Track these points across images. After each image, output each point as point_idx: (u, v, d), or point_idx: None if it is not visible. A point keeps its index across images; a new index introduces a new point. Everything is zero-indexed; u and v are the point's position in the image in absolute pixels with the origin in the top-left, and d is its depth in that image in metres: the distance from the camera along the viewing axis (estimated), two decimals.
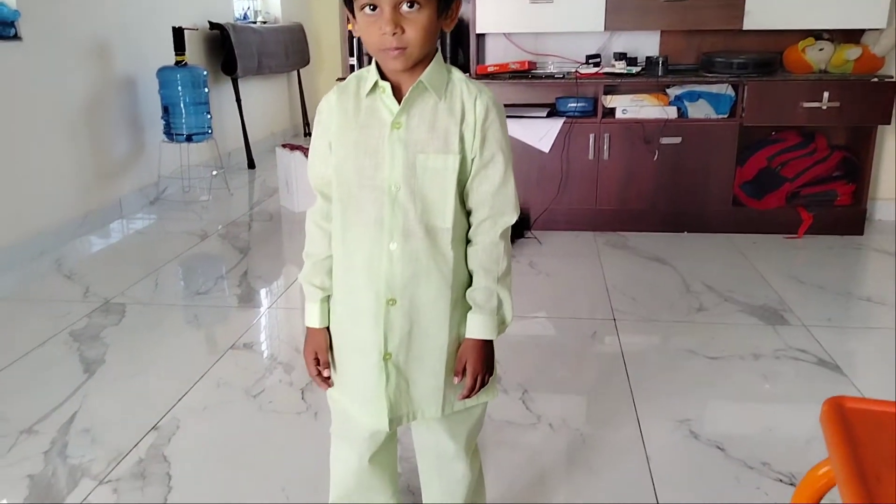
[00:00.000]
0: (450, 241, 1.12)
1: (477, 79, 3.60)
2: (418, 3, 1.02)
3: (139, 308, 2.75)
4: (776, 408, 2.04)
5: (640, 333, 2.52)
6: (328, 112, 1.16)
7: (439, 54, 1.13)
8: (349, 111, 1.13)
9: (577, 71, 3.60)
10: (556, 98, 3.62)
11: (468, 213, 1.16)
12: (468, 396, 1.20)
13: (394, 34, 1.02)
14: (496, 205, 1.14)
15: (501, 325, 1.19)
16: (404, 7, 1.02)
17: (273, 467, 1.75)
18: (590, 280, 3.03)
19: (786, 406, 2.05)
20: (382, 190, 1.11)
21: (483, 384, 1.20)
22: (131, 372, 2.25)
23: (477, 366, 1.18)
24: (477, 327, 1.17)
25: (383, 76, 1.11)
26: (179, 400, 2.05)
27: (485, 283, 1.15)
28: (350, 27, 1.13)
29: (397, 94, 1.11)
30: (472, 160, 1.12)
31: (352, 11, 1.08)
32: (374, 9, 1.03)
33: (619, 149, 3.53)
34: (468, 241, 1.17)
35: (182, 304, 2.85)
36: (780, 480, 1.68)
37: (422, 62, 1.09)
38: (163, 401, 2.05)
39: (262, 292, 2.96)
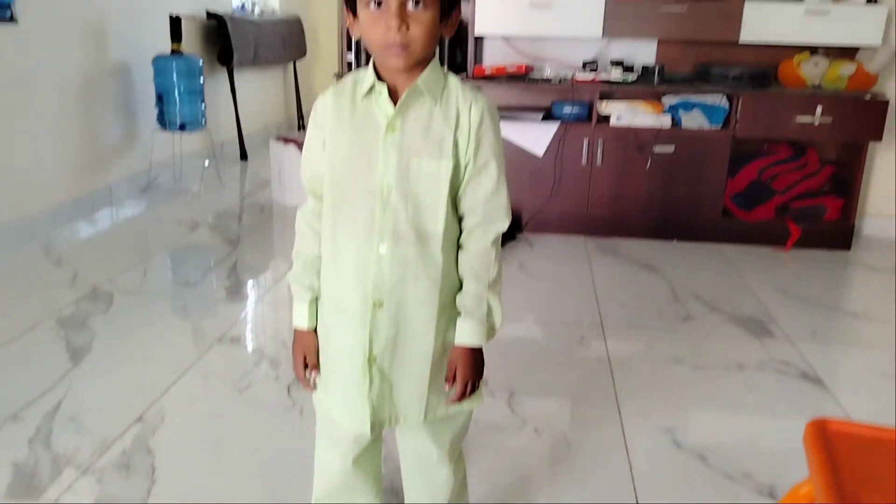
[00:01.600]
0: (440, 245, 1.13)
1: (474, 80, 3.61)
2: (424, 2, 1.03)
3: (127, 297, 2.73)
4: (758, 420, 2.06)
5: (626, 340, 2.54)
6: (323, 112, 1.16)
7: (437, 59, 1.14)
8: (344, 112, 1.14)
9: (573, 76, 3.62)
10: (552, 102, 3.63)
11: (459, 219, 1.17)
12: (458, 401, 1.21)
13: (399, 29, 1.03)
14: (488, 211, 1.15)
15: (490, 331, 1.19)
16: (410, 5, 1.03)
17: (257, 463, 1.75)
18: (579, 284, 3.04)
19: (768, 418, 2.07)
20: (374, 192, 1.11)
21: (474, 389, 1.21)
22: (118, 361, 2.24)
23: (467, 372, 1.18)
24: (467, 333, 1.17)
25: (380, 79, 1.12)
26: (165, 392, 2.05)
27: (475, 288, 1.16)
28: (349, 26, 1.14)
29: (393, 97, 1.11)
30: (466, 166, 1.12)
31: (352, 11, 1.08)
32: (379, 5, 1.03)
33: (612, 155, 3.55)
34: (459, 247, 1.17)
35: (170, 294, 2.84)
36: (760, 492, 1.69)
37: (420, 65, 1.10)
38: (149, 391, 2.04)
39: (251, 285, 2.96)
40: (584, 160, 3.56)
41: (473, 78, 3.64)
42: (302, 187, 1.23)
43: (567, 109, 3.56)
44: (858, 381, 2.31)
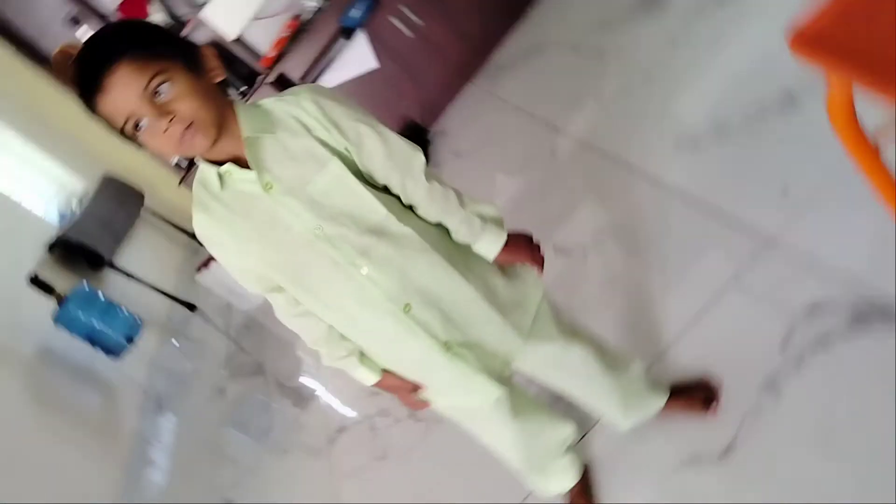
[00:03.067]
0: (397, 222, 1.09)
1: (269, 71, 3.47)
2: (165, 80, 0.96)
3: None
4: None
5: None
6: (206, 226, 1.12)
7: (239, 101, 1.08)
8: (221, 213, 1.09)
9: None
10: (338, 21, 3.47)
11: (386, 189, 1.13)
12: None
13: (170, 121, 0.97)
14: (399, 164, 1.10)
15: (496, 222, 1.17)
16: (159, 97, 0.96)
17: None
18: (516, 118, 2.99)
19: None
20: (312, 241, 1.07)
21: (535, 257, 1.22)
22: None
23: (519, 259, 1.20)
24: (486, 248, 1.16)
25: (216, 162, 1.06)
26: None
27: (455, 220, 1.14)
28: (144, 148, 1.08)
29: (241, 163, 1.06)
30: (347, 150, 1.08)
31: (130, 139, 1.02)
32: (137, 126, 0.97)
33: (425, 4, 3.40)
34: (411, 207, 1.14)
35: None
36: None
37: (227, 121, 1.04)
38: None
39: (308, 384, 2.94)
40: (406, 31, 3.43)
41: (268, 69, 3.49)
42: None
43: (354, 13, 3.40)
44: None
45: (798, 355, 1.37)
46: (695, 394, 1.45)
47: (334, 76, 3.32)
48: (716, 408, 1.41)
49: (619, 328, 1.76)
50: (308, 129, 1.06)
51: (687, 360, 1.55)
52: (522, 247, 1.20)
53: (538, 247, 1.23)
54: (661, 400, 1.45)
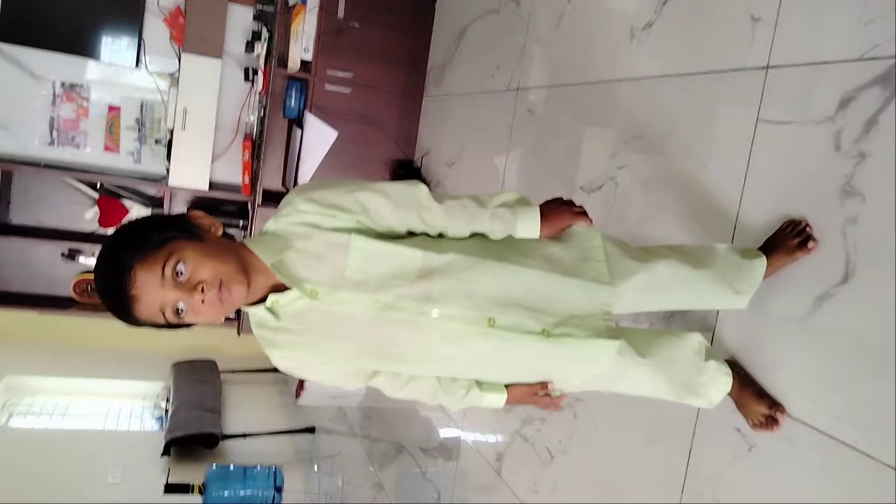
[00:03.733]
0: (438, 255, 1.12)
1: (254, 195, 3.55)
2: (177, 260, 1.01)
3: None
4: None
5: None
6: (286, 360, 1.17)
7: (247, 240, 1.12)
8: (292, 341, 1.14)
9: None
10: (283, 117, 3.53)
11: (412, 233, 1.16)
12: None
13: (202, 291, 1.01)
14: (407, 205, 1.15)
15: (521, 202, 1.20)
16: (180, 277, 1.01)
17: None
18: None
19: None
20: (376, 317, 1.10)
21: (576, 212, 1.24)
22: None
23: (557, 225, 1.22)
24: (528, 229, 1.18)
25: (262, 301, 1.11)
26: None
27: (486, 222, 1.17)
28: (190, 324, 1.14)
29: (279, 289, 1.10)
30: (358, 221, 1.12)
31: (178, 326, 1.07)
32: (177, 311, 1.01)
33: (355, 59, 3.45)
34: (441, 235, 1.17)
35: None
36: None
37: (249, 264, 1.08)
38: None
39: (447, 436, 2.96)
40: (343, 89, 3.47)
41: (252, 194, 3.57)
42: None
43: (291, 103, 3.46)
44: None
45: (857, 148, 1.34)
46: (787, 240, 1.42)
47: (309, 164, 3.38)
48: (813, 242, 1.39)
49: (685, 225, 1.74)
50: (317, 227, 1.09)
51: (761, 216, 1.53)
52: (559, 211, 1.22)
53: (572, 202, 1.24)
54: (760, 263, 1.43)
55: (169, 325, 1.04)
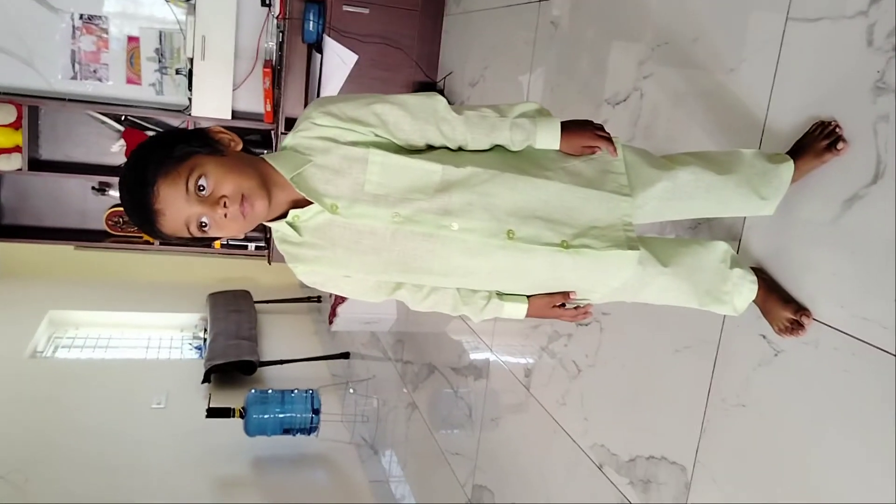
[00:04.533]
0: (457, 168, 1.12)
1: (277, 123, 3.54)
2: (199, 175, 1.01)
3: None
4: None
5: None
6: (310, 275, 1.18)
7: (267, 155, 1.12)
8: (315, 255, 1.15)
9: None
10: (303, 41, 3.48)
11: (431, 146, 1.16)
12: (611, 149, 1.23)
13: (224, 206, 1.02)
14: (426, 117, 1.14)
15: (541, 113, 1.19)
16: (203, 191, 1.02)
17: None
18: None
19: None
20: (396, 230, 1.11)
21: (601, 135, 1.21)
22: None
23: (579, 141, 1.20)
24: (548, 139, 1.17)
25: (283, 216, 1.12)
26: None
27: (505, 132, 1.16)
28: (217, 246, 1.15)
29: (300, 204, 1.11)
30: (376, 134, 1.11)
31: (202, 240, 1.09)
32: (202, 226, 1.02)
33: None
34: (461, 148, 1.17)
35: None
36: None
37: (270, 179, 1.09)
38: None
39: (476, 356, 3.01)
40: (362, 10, 3.40)
41: (274, 121, 3.57)
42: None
43: (310, 27, 3.40)
44: None
45: (890, 42, 1.28)
46: (816, 142, 1.38)
47: (330, 89, 3.35)
48: (843, 143, 1.34)
49: (714, 133, 1.70)
50: (335, 140, 1.09)
51: (789, 119, 1.48)
52: (581, 129, 1.20)
53: (601, 127, 1.22)
54: (787, 168, 1.39)
55: (194, 239, 1.06)
